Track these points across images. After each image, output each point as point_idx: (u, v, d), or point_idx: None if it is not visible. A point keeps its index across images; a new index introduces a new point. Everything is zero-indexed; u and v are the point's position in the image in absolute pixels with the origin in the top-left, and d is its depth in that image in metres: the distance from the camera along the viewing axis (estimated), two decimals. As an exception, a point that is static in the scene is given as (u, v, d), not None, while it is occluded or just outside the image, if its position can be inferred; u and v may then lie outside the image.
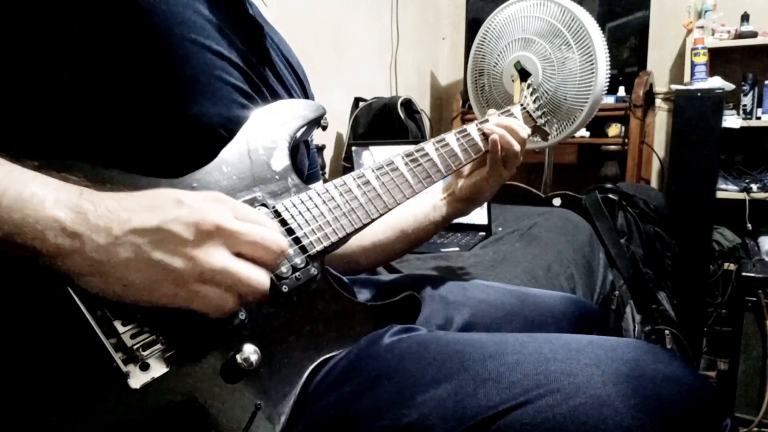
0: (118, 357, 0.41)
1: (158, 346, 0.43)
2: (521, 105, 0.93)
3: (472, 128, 0.80)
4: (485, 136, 0.81)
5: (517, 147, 0.80)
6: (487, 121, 0.84)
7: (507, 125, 0.81)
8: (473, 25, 2.58)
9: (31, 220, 0.38)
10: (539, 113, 0.95)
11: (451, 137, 0.76)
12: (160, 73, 0.53)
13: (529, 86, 0.96)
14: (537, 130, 0.96)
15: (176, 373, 0.43)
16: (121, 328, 0.41)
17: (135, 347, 0.41)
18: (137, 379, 0.41)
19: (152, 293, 0.41)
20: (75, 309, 0.40)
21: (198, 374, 0.44)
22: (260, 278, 0.44)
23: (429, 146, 0.72)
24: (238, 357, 0.45)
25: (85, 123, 0.51)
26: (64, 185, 0.41)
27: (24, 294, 0.40)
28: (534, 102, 0.95)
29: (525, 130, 0.83)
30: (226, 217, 0.43)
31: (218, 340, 0.46)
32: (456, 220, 1.73)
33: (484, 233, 1.59)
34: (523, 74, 1.03)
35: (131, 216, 0.41)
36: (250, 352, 0.46)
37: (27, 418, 0.37)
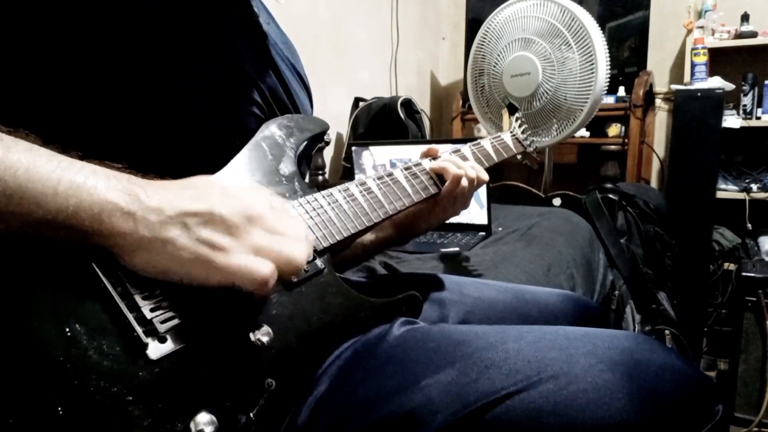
0: (139, 329, 0.43)
1: (176, 321, 0.45)
2: (511, 133, 1.02)
3: (466, 149, 0.86)
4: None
5: (465, 184, 0.76)
6: (479, 144, 0.89)
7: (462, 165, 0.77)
8: (473, 25, 2.58)
9: (86, 204, 0.40)
10: (528, 142, 1.05)
11: (446, 155, 0.81)
12: (180, 84, 0.55)
13: (517, 119, 1.08)
14: (526, 156, 1.08)
15: (192, 348, 0.45)
16: (141, 303, 0.44)
17: (155, 321, 0.44)
18: (156, 350, 0.43)
19: (195, 269, 0.43)
20: (98, 283, 0.43)
21: (213, 351, 0.46)
22: (299, 250, 0.48)
23: (426, 162, 0.78)
24: (252, 336, 0.48)
25: (99, 129, 0.52)
26: (111, 172, 0.44)
27: (50, 270, 0.41)
28: (522, 132, 1.05)
29: (477, 173, 0.79)
30: (265, 207, 0.47)
31: (233, 320, 0.48)
32: (456, 220, 1.73)
33: (484, 233, 1.59)
34: (512, 109, 1.16)
35: (180, 200, 0.44)
36: (263, 332, 0.48)
37: (50, 383, 0.39)
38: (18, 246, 0.40)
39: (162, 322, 0.44)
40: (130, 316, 0.43)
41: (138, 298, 0.44)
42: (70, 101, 0.51)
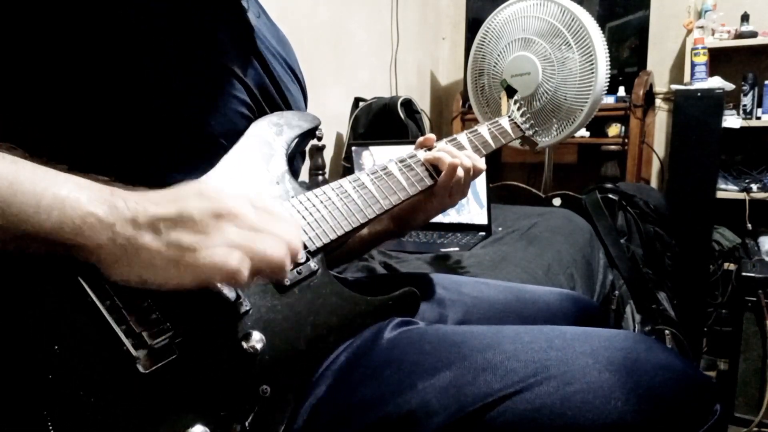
0: (128, 342, 0.42)
1: (166, 333, 0.44)
2: (509, 117, 0.98)
3: (462, 137, 0.84)
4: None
5: (461, 174, 0.75)
6: (476, 132, 0.87)
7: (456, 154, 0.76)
8: (473, 25, 2.58)
9: (68, 218, 0.40)
10: (527, 125, 1.01)
11: (442, 145, 0.79)
12: (169, 86, 0.55)
13: (516, 102, 1.04)
14: (525, 141, 1.04)
15: (184, 359, 0.44)
16: (130, 316, 0.43)
17: (144, 334, 0.43)
18: (146, 363, 0.42)
19: (169, 273, 0.42)
20: (85, 298, 0.42)
21: (205, 360, 0.46)
22: (277, 248, 0.45)
23: (421, 153, 0.76)
24: (244, 343, 0.47)
25: (87, 130, 0.52)
26: (95, 184, 0.43)
27: (36, 286, 0.41)
28: (521, 116, 1.01)
29: (473, 162, 0.78)
30: (244, 206, 0.45)
31: (224, 328, 0.47)
32: (456, 220, 1.72)
33: (484, 233, 1.59)
34: (510, 91, 1.11)
35: (156, 207, 0.43)
36: (256, 339, 0.48)
37: (40, 401, 0.38)
38: (3, 262, 0.40)
39: (151, 335, 0.43)
40: (119, 330, 0.42)
41: (126, 311, 0.43)
42: (68, 102, 0.51)
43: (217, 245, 0.43)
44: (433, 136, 0.79)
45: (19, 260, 0.40)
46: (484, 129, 0.89)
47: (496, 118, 0.96)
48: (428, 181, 0.74)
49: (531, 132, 1.02)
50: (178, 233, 0.43)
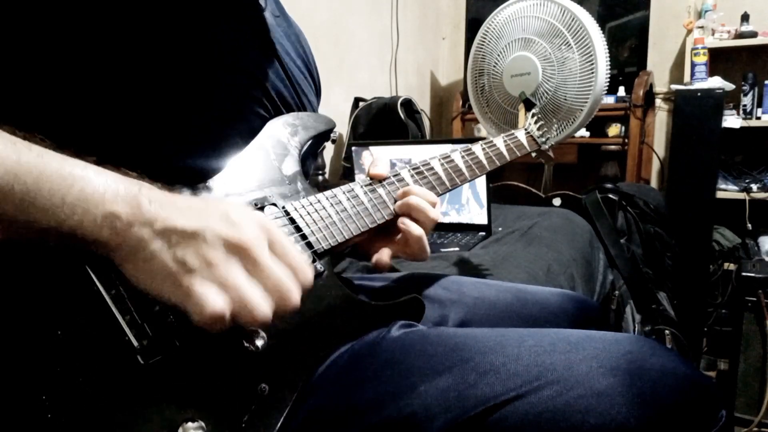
0: (130, 332, 0.42)
1: (169, 325, 0.44)
2: (525, 130, 0.98)
3: (477, 148, 0.83)
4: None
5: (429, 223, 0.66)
6: (492, 143, 0.86)
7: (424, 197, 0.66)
8: (473, 25, 2.58)
9: (91, 216, 0.40)
10: (543, 139, 1.01)
11: (456, 155, 0.79)
12: (182, 84, 0.55)
13: (533, 115, 1.03)
14: (541, 154, 1.04)
15: (185, 352, 0.44)
16: (134, 306, 0.43)
17: (147, 325, 0.43)
18: (146, 354, 0.43)
19: (164, 285, 0.41)
20: (91, 286, 0.42)
21: (206, 354, 0.46)
22: (264, 309, 0.43)
23: (435, 162, 0.75)
24: (245, 341, 0.47)
25: (106, 130, 0.52)
26: (124, 179, 0.43)
27: (43, 272, 0.41)
28: (538, 129, 1.01)
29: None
30: (259, 245, 0.44)
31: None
32: (456, 220, 1.72)
33: (484, 233, 1.59)
34: (528, 104, 1.08)
35: (176, 215, 0.42)
36: (256, 336, 0.48)
37: (40, 386, 0.39)
38: (10, 247, 0.40)
39: (154, 326, 0.43)
40: (122, 320, 0.42)
41: (130, 302, 0.43)
42: (85, 96, 0.51)
43: (214, 279, 0.41)
44: (383, 173, 0.68)
45: (27, 246, 0.40)
46: (500, 141, 0.89)
47: (513, 131, 0.96)
48: (439, 189, 0.72)
49: (547, 146, 1.02)
50: (189, 252, 0.41)
